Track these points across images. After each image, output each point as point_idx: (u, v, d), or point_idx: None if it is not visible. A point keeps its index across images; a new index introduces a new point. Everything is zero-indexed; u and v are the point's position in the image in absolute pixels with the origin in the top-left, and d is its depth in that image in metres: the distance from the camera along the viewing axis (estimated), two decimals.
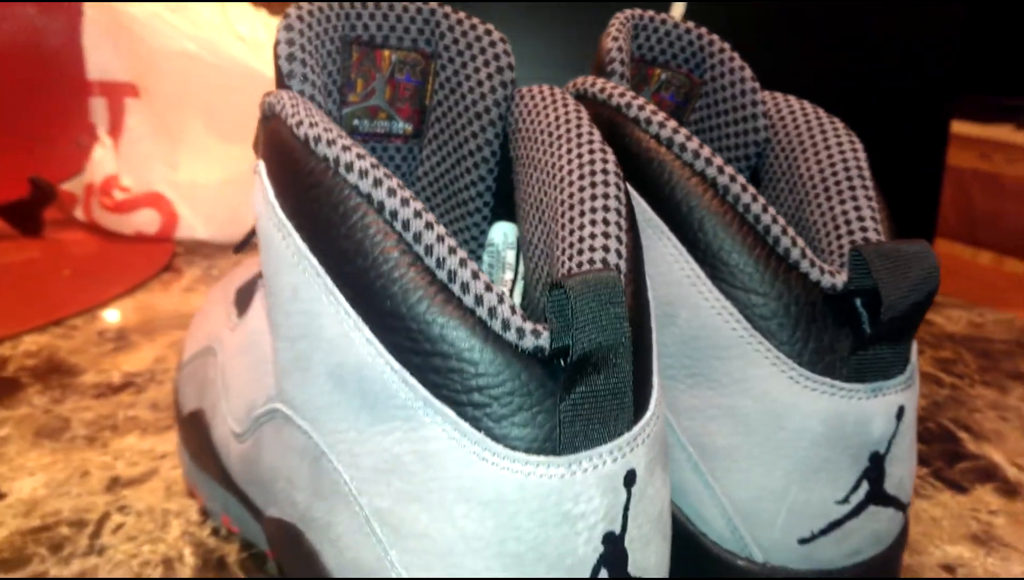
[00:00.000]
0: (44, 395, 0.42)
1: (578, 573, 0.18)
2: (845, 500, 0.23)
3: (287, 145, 0.20)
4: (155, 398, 0.41)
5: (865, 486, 0.23)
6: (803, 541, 0.24)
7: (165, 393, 0.42)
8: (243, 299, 0.32)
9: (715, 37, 0.30)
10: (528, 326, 0.18)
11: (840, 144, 0.27)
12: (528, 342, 0.18)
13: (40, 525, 0.31)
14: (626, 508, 0.19)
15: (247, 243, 0.32)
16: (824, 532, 0.24)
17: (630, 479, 0.19)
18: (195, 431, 0.31)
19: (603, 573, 0.19)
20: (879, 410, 0.23)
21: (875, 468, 0.23)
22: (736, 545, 0.24)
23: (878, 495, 0.24)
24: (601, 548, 0.19)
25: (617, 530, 0.19)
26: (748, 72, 0.29)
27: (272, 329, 0.22)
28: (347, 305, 0.19)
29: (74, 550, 0.29)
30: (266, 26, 0.71)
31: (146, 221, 0.67)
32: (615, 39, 0.28)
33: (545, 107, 0.25)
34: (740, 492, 0.24)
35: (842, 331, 0.23)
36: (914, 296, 0.21)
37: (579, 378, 0.18)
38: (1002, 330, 0.54)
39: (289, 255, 0.20)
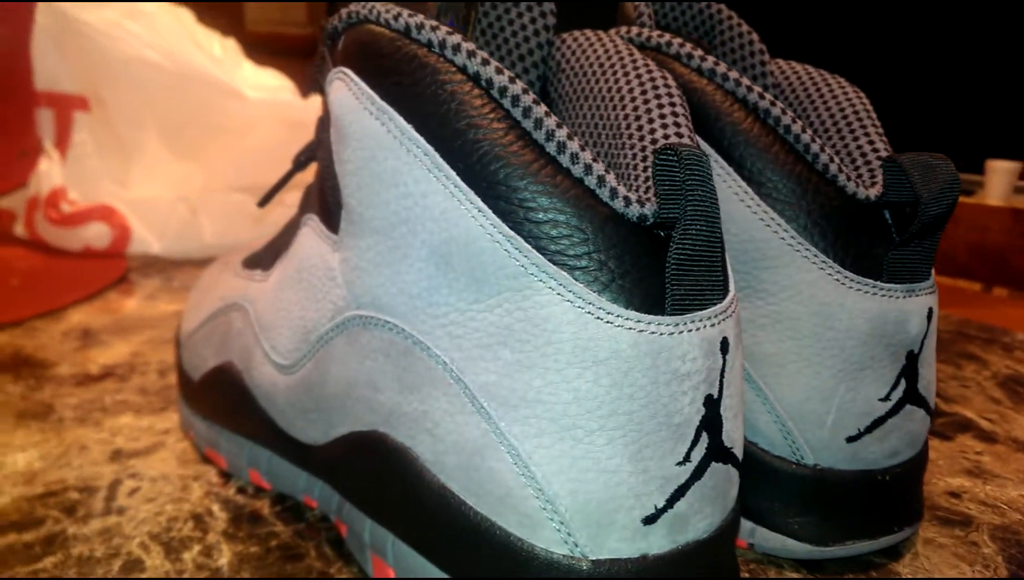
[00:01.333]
0: (18, 384, 0.39)
1: (684, 433, 0.19)
2: (887, 397, 0.25)
3: (381, 39, 0.21)
4: (142, 385, 0.40)
5: (903, 384, 0.25)
6: (850, 439, 0.25)
7: (152, 381, 0.40)
8: (260, 262, 0.32)
9: (722, 7, 0.33)
10: (634, 195, 0.19)
11: (845, 93, 0.29)
12: (634, 210, 0.19)
13: (45, 491, 0.29)
14: (722, 374, 0.20)
15: (272, 197, 0.32)
16: (869, 430, 0.25)
17: (724, 346, 0.20)
18: (218, 388, 0.30)
19: (704, 437, 0.20)
20: (914, 310, 0.25)
21: (911, 367, 0.25)
22: (787, 450, 0.26)
23: (913, 394, 0.25)
24: (703, 410, 0.19)
25: (715, 394, 0.20)
26: (756, 37, 0.32)
27: (351, 233, 0.22)
28: (457, 179, 0.19)
29: (89, 511, 0.28)
30: (221, 44, 0.71)
31: (96, 235, 0.64)
32: (636, 6, 0.31)
33: (591, 45, 0.26)
34: (791, 395, 0.25)
35: (877, 238, 0.25)
36: (945, 199, 0.24)
37: (684, 245, 0.19)
38: (942, 324, 0.58)
39: (390, 140, 0.20)
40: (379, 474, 0.22)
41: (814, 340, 0.25)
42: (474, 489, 0.20)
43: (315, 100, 0.71)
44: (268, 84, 0.69)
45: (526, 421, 0.19)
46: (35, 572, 0.24)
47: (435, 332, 0.20)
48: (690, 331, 0.19)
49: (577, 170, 0.19)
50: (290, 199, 0.67)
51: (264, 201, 0.32)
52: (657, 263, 0.19)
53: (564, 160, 0.19)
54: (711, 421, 0.20)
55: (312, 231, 0.26)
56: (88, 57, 0.64)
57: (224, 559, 0.25)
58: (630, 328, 0.18)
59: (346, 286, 0.23)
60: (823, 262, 0.24)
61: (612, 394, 0.19)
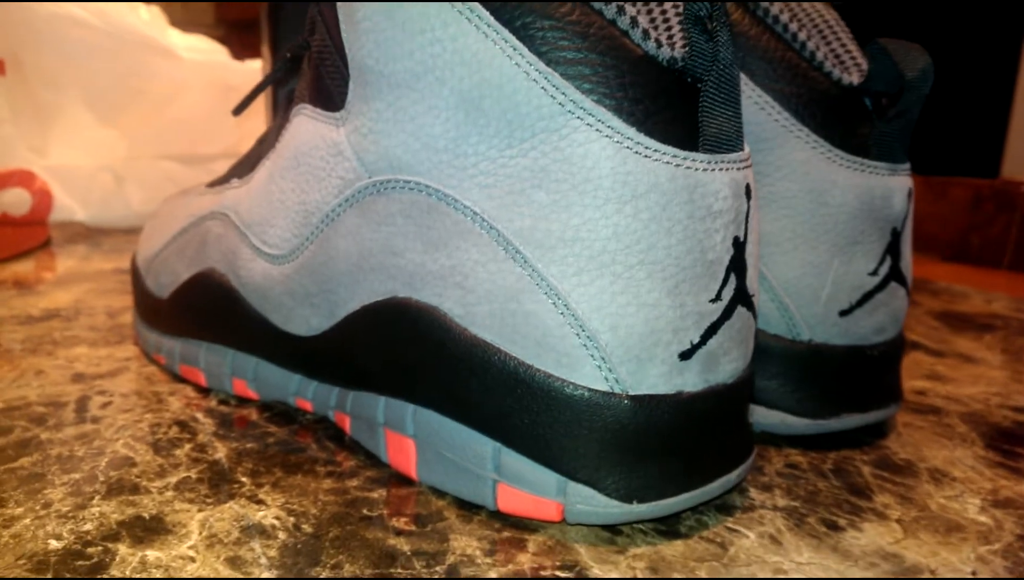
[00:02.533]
0: None
1: (716, 271, 0.20)
2: (875, 272, 0.26)
3: None
4: (91, 324, 0.37)
5: (888, 261, 0.27)
6: (843, 313, 0.26)
7: (102, 321, 0.38)
8: (234, 174, 0.30)
9: None
10: (664, 37, 0.19)
11: (815, 8, 0.31)
12: (665, 53, 0.19)
13: (6, 407, 0.27)
14: (747, 217, 0.20)
15: (248, 104, 0.31)
16: (859, 303, 0.26)
17: (748, 191, 0.20)
18: (197, 297, 0.29)
19: (732, 279, 0.20)
20: (898, 187, 0.26)
21: (895, 244, 0.27)
22: (783, 328, 0.26)
23: (897, 272, 0.27)
24: (731, 251, 0.20)
25: (741, 237, 0.20)
26: None
27: (364, 97, 0.22)
28: (491, 19, 0.19)
29: (60, 421, 0.26)
30: (146, 9, 0.68)
31: (14, 201, 0.60)
32: None
33: None
34: (788, 272, 0.26)
35: (862, 120, 0.26)
36: (926, 80, 0.25)
37: (715, 88, 0.19)
38: None
39: None
40: (399, 342, 0.22)
41: (808, 217, 0.26)
42: (509, 335, 0.20)
43: (252, 65, 0.69)
44: (200, 47, 0.67)
45: (564, 261, 0.19)
46: (11, 471, 0.22)
47: (464, 184, 0.20)
48: (722, 170, 0.19)
49: (609, 11, 0.19)
50: (219, 167, 0.65)
51: (239, 109, 0.31)
52: (687, 105, 0.19)
53: (596, 3, 0.19)
54: (738, 263, 0.20)
55: (307, 118, 0.25)
56: (6, 14, 0.60)
57: (220, 454, 0.24)
58: (667, 162, 0.19)
59: (356, 157, 0.22)
60: (815, 141, 0.26)
61: (651, 228, 0.19)
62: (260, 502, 0.21)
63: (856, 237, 0.26)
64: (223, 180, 0.31)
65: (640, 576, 0.18)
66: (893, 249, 0.27)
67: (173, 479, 0.22)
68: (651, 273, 0.19)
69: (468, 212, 0.20)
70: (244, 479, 0.22)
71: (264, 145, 0.29)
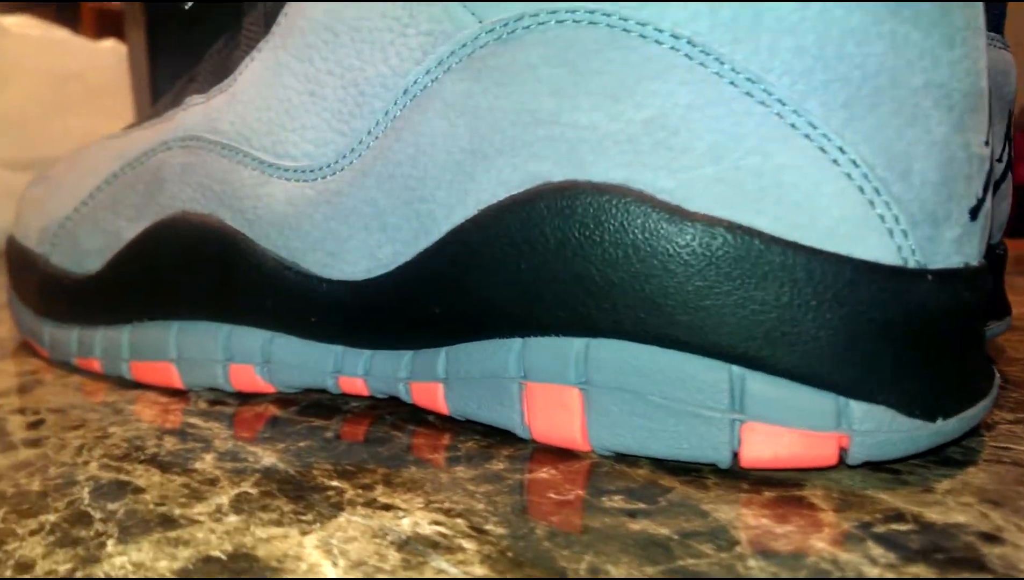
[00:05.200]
0: None
1: (983, 104, 0.15)
2: (1000, 158, 0.23)
3: None
4: None
5: (1007, 148, 0.24)
6: None
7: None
8: (184, 93, 0.22)
9: None
10: None
11: None
12: None
13: None
14: None
15: None
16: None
17: None
18: (161, 258, 0.20)
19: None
20: (1012, 63, 0.23)
21: (1010, 130, 0.24)
22: None
23: (1010, 164, 0.24)
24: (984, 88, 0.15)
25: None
26: None
27: None
28: None
29: None
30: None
31: None
32: None
33: None
34: None
35: None
36: None
37: None
38: None
39: None
40: (563, 249, 0.15)
41: None
42: (752, 205, 0.14)
43: (103, 45, 0.56)
44: (31, 24, 0.54)
45: (827, 89, 0.14)
46: None
47: (662, 4, 0.14)
48: None
49: None
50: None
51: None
52: None
53: None
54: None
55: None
56: None
57: (269, 459, 0.16)
58: None
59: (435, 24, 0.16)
60: None
61: (933, 38, 0.14)
62: (389, 508, 0.13)
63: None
64: (157, 113, 0.23)
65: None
66: (1009, 135, 0.24)
67: (222, 500, 0.14)
68: (937, 100, 0.14)
69: (669, 40, 0.14)
70: (336, 483, 0.14)
71: (234, 45, 0.21)
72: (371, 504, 0.14)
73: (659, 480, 0.14)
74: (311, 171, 0.18)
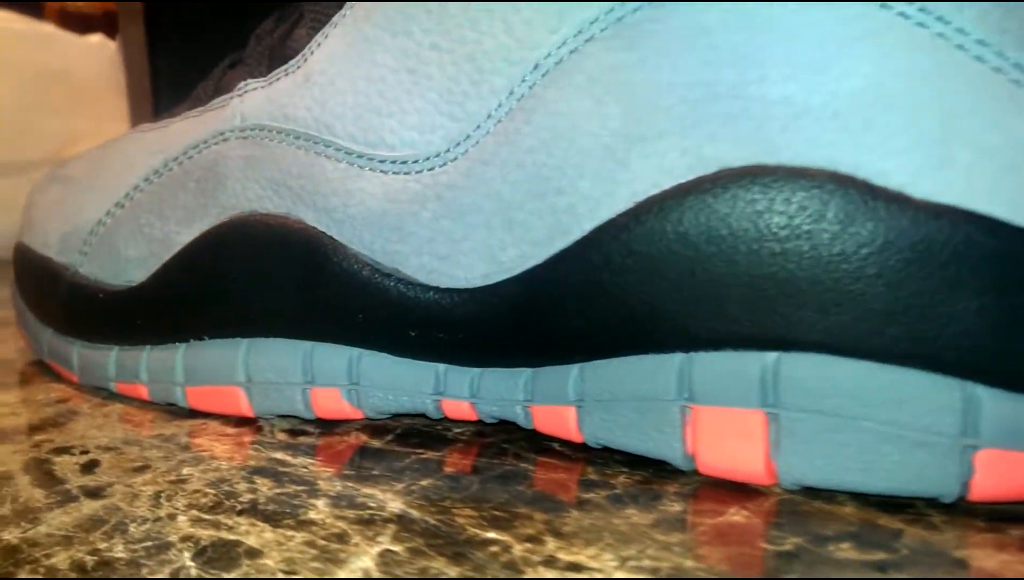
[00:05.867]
0: None
1: None
2: None
3: None
4: None
5: None
6: None
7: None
8: (234, 82, 0.19)
9: None
10: None
11: None
12: None
13: None
14: None
15: None
16: None
17: None
18: (227, 264, 0.17)
19: None
20: None
21: None
22: None
23: None
24: None
25: None
26: None
27: None
28: None
29: (43, 503, 0.13)
30: None
31: None
32: None
33: None
34: None
35: None
36: None
37: None
38: None
39: None
40: (763, 240, 0.13)
41: None
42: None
43: (89, 41, 0.52)
44: (14, 18, 0.50)
45: None
46: None
47: None
48: None
49: None
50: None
51: None
52: None
53: None
54: None
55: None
56: None
57: (395, 505, 0.13)
58: None
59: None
60: None
61: None
62: (578, 568, 0.11)
63: None
64: (199, 101, 0.20)
65: None
66: None
67: (366, 563, 0.11)
68: None
69: None
70: (492, 535, 0.12)
71: (292, 21, 0.19)
72: (552, 564, 0.11)
73: (876, 520, 0.12)
74: (415, 162, 0.15)
